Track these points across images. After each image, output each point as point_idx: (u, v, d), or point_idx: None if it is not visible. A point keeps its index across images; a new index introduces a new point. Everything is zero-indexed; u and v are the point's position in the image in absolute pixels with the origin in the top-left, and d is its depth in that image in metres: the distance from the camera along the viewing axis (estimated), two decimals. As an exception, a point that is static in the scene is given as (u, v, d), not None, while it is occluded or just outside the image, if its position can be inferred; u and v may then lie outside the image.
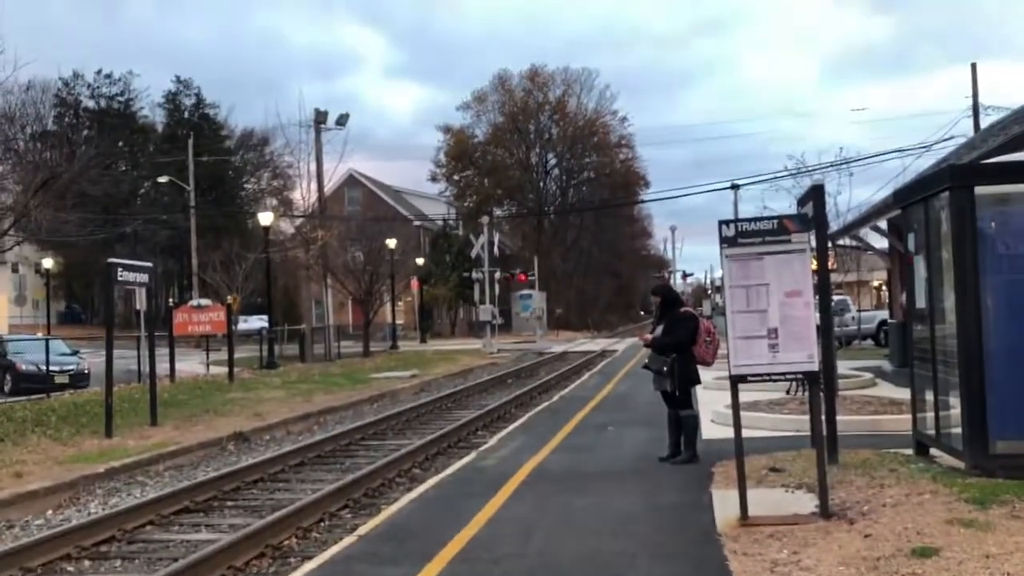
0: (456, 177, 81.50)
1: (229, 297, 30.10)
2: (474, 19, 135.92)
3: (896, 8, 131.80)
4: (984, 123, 28.45)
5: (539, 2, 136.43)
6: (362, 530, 7.28)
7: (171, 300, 41.62)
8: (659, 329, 9.49)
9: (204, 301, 27.13)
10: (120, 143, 60.90)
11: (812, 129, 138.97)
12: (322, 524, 8.65)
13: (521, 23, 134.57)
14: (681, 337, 9.23)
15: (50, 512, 9.69)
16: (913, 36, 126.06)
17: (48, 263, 50.68)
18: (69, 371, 23.48)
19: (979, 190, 7.48)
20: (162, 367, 20.96)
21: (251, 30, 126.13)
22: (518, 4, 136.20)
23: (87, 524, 8.41)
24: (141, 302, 23.74)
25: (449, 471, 9.89)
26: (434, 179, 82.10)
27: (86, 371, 23.96)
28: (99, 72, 66.95)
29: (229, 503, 9.86)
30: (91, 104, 67.10)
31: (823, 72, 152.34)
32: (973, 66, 31.78)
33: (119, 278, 15.24)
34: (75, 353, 25.48)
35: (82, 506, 9.94)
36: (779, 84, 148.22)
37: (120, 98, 67.95)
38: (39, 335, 32.76)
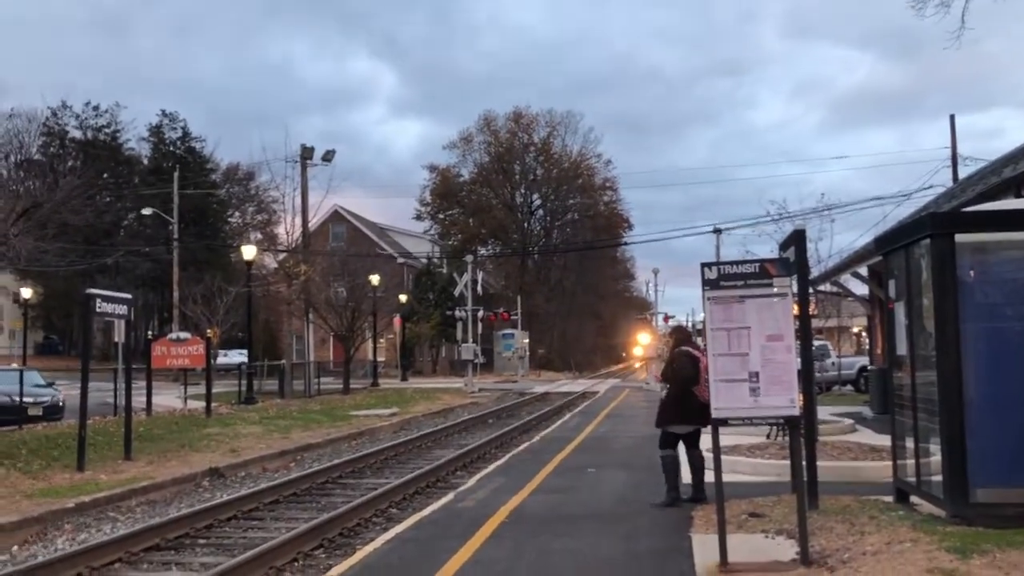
0: (441, 216, 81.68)
1: (209, 331, 29.77)
2: (490, 58, 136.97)
3: (908, 56, 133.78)
4: (963, 173, 28.93)
5: (555, 42, 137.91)
6: (336, 571, 7.15)
7: (150, 333, 41.13)
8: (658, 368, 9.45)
9: (183, 334, 26.76)
10: (105, 174, 60.65)
11: (812, 175, 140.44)
12: (295, 564, 8.49)
13: (533, 63, 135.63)
14: (683, 370, 9.17)
15: (15, 548, 9.45)
16: (924, 84, 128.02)
17: (27, 293, 50.14)
18: (43, 403, 23.05)
19: (959, 238, 7.52)
20: (139, 400, 20.67)
21: (260, 63, 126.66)
22: (534, 44, 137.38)
23: (53, 561, 8.21)
24: (120, 334, 23.52)
25: (427, 511, 9.75)
26: (419, 217, 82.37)
27: (61, 403, 23.56)
28: (87, 104, 67.00)
29: (201, 541, 9.67)
30: (78, 135, 66.96)
31: (827, 118, 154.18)
32: (952, 118, 32.59)
33: (98, 309, 15.08)
34: (50, 385, 25.06)
35: (49, 542, 9.71)
36: (782, 129, 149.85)
37: (107, 129, 67.86)
38: (14, 366, 32.30)
